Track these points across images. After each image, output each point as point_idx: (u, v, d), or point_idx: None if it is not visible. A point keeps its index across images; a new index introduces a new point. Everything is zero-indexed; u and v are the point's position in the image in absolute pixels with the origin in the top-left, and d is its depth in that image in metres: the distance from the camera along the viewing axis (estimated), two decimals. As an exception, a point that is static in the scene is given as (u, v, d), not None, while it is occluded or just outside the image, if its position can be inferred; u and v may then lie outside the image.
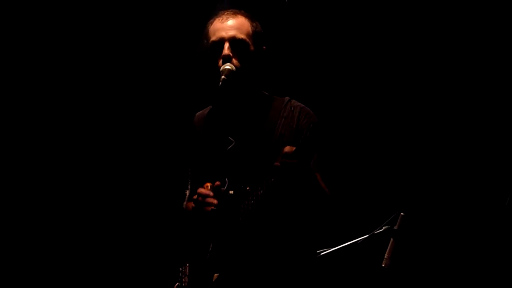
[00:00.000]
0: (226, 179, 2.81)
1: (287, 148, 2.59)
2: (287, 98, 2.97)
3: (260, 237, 2.79)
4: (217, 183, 2.77)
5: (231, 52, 2.85)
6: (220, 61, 2.84)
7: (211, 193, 2.76)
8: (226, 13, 2.95)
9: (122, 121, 4.87)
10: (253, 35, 2.91)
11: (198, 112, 3.12)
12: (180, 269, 2.91)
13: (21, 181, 4.85)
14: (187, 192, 3.04)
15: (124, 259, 4.83)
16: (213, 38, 2.90)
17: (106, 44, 4.86)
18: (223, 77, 2.80)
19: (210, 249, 2.81)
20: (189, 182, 3.04)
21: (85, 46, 4.86)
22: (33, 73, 4.85)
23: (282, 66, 4.39)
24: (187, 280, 2.87)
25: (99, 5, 4.83)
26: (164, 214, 4.49)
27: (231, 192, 2.72)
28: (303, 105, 2.94)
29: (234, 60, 2.84)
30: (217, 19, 2.94)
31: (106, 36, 4.85)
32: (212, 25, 2.93)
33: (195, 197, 2.80)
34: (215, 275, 2.78)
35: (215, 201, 2.74)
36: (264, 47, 2.96)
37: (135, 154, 4.86)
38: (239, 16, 2.93)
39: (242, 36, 2.87)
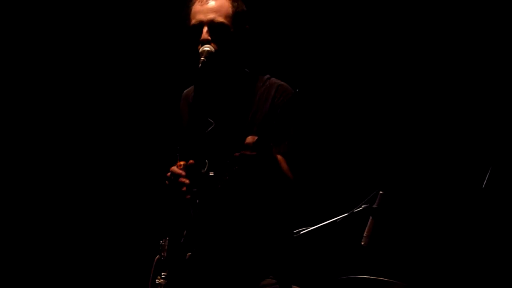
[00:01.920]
0: (206, 161, 2.84)
1: (249, 139, 2.59)
2: (267, 76, 2.98)
3: (230, 219, 2.82)
4: (190, 161, 2.80)
5: (210, 36, 2.84)
6: (200, 46, 2.86)
7: (183, 173, 2.78)
8: None
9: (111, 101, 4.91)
10: (234, 15, 2.89)
11: (185, 90, 3.14)
12: (161, 242, 2.95)
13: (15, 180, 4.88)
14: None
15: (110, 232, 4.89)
16: (192, 21, 2.89)
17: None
18: (202, 58, 2.81)
19: (185, 229, 2.85)
20: (178, 158, 3.05)
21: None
22: (32, 73, 4.85)
23: (267, 43, 4.42)
24: (165, 254, 2.91)
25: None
26: (151, 188, 4.52)
27: (211, 174, 2.75)
28: (281, 83, 2.92)
29: (213, 44, 2.85)
30: (197, 0, 2.93)
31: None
32: (193, 7, 2.91)
33: (168, 174, 2.83)
34: (188, 254, 2.83)
35: (186, 181, 2.76)
36: (247, 26, 2.95)
37: (126, 131, 4.90)
38: None
39: (221, 19, 2.86)
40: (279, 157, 2.74)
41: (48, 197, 4.89)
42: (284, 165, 2.77)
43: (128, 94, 4.89)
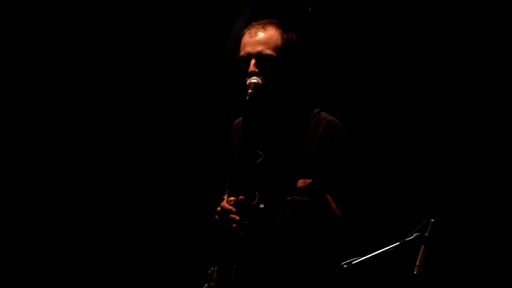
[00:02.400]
0: (256, 193, 2.84)
1: (300, 183, 2.60)
2: (317, 110, 2.97)
3: (278, 255, 2.82)
4: (241, 197, 2.80)
5: (258, 68, 2.85)
6: (247, 78, 2.87)
7: (234, 209, 2.78)
8: (256, 25, 2.93)
9: (161, 123, 4.97)
10: (283, 47, 2.89)
11: (236, 121, 3.15)
12: (209, 271, 2.95)
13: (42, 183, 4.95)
14: (225, 197, 3.06)
15: (158, 255, 4.94)
16: (241, 53, 2.91)
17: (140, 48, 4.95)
18: (250, 91, 2.82)
19: (235, 264, 2.84)
20: (227, 187, 3.06)
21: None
22: (36, 74, 4.92)
23: (318, 75, 4.41)
24: (214, 285, 2.91)
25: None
26: (202, 215, 4.54)
27: (262, 206, 2.75)
28: (330, 118, 2.92)
29: (260, 76, 2.85)
30: (247, 32, 2.93)
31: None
32: (243, 39, 2.93)
33: (218, 209, 2.83)
34: None
35: (237, 218, 2.76)
36: (297, 57, 2.95)
37: (177, 157, 4.94)
38: (270, 28, 2.91)
39: (269, 51, 2.86)
40: (328, 196, 2.73)
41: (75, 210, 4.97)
42: (333, 205, 2.75)
43: (177, 123, 4.94)
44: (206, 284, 2.96)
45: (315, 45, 4.37)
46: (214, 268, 2.92)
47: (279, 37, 2.91)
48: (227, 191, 3.04)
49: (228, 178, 3.05)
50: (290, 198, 2.61)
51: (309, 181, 2.59)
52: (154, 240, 4.95)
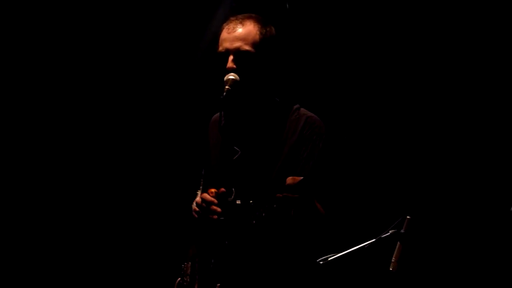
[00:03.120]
0: (233, 189, 2.83)
1: (290, 180, 2.60)
2: (296, 106, 2.97)
3: (261, 251, 2.83)
4: (222, 189, 2.79)
5: (235, 64, 2.85)
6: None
7: (215, 201, 2.77)
8: (234, 21, 2.93)
9: (139, 119, 4.96)
10: (261, 42, 2.89)
11: (215, 115, 3.14)
12: (182, 265, 2.94)
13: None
14: (199, 192, 3.06)
15: (130, 251, 4.93)
16: (219, 49, 2.91)
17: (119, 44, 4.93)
18: (227, 87, 2.82)
19: (213, 258, 2.84)
20: (201, 182, 3.05)
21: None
22: (40, 74, 4.91)
23: (297, 71, 4.41)
24: (188, 279, 2.90)
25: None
26: (174, 210, 4.53)
27: (238, 202, 2.75)
28: (310, 114, 2.93)
29: (238, 72, 2.85)
30: (225, 27, 2.93)
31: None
32: (221, 34, 2.93)
33: (198, 199, 2.82)
34: (218, 285, 2.82)
35: (218, 210, 2.76)
36: (276, 51, 2.94)
37: (151, 152, 4.93)
38: (248, 23, 2.91)
39: (247, 47, 2.86)
40: None
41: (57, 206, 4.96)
42: (316, 202, 2.76)
43: (155, 118, 4.93)
44: (179, 278, 2.95)
45: (294, 40, 4.37)
46: (187, 263, 2.92)
47: (257, 32, 2.90)
48: (201, 186, 3.04)
49: (202, 173, 3.05)
50: (281, 195, 2.60)
51: (298, 178, 2.59)
52: (127, 235, 4.93)
